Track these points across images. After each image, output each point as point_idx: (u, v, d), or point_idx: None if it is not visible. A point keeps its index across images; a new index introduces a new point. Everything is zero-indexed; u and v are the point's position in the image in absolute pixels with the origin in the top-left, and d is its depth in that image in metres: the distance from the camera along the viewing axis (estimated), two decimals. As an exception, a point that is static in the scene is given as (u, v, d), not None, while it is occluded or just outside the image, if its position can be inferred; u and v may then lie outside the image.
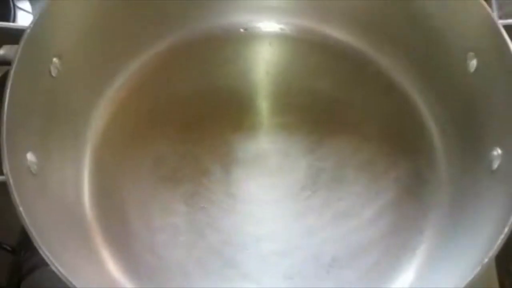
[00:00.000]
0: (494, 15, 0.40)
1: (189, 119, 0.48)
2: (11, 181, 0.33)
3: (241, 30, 0.52)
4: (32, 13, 0.56)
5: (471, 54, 0.42)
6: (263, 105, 0.50)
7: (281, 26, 0.52)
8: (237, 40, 0.51)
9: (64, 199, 0.42)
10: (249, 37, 0.52)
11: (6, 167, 0.34)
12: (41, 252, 0.32)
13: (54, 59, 0.41)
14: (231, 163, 0.46)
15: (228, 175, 0.46)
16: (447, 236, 0.43)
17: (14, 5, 0.55)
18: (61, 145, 0.43)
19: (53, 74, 0.41)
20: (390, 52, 0.50)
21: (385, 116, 0.49)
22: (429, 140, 0.47)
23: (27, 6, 0.57)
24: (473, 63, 0.42)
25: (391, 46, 0.50)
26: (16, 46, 0.38)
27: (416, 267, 0.43)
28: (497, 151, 0.39)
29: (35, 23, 0.38)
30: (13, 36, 0.40)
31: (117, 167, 0.45)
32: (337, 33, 0.51)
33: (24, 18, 0.55)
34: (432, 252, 0.43)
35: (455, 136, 0.46)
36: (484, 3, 0.40)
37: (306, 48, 0.52)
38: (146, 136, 0.47)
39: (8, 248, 0.43)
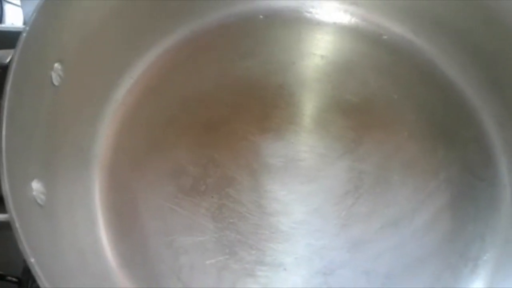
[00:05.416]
0: None
1: (209, 121, 0.43)
2: (15, 220, 0.29)
3: (260, 16, 0.47)
4: (21, 6, 0.51)
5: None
6: (292, 101, 0.45)
7: (310, 10, 0.48)
8: (257, 29, 0.47)
9: (75, 227, 0.38)
10: (271, 24, 0.47)
11: (9, 203, 0.29)
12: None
13: (56, 65, 0.36)
14: (259, 170, 0.42)
15: (256, 183, 0.42)
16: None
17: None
18: (67, 165, 0.38)
19: (55, 82, 0.36)
20: (447, 46, 0.46)
21: (433, 111, 0.45)
22: (484, 134, 0.44)
23: (15, -2, 0.52)
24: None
25: (449, 39, 0.46)
26: (9, 51, 0.32)
27: (483, 279, 0.40)
28: None
29: (33, 23, 0.33)
30: (5, 38, 0.35)
31: (132, 183, 0.41)
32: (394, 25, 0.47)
33: (13, 12, 0.52)
34: (500, 261, 0.40)
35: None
36: None
37: (345, 37, 0.47)
38: (162, 144, 0.43)
39: (13, 279, 0.41)
